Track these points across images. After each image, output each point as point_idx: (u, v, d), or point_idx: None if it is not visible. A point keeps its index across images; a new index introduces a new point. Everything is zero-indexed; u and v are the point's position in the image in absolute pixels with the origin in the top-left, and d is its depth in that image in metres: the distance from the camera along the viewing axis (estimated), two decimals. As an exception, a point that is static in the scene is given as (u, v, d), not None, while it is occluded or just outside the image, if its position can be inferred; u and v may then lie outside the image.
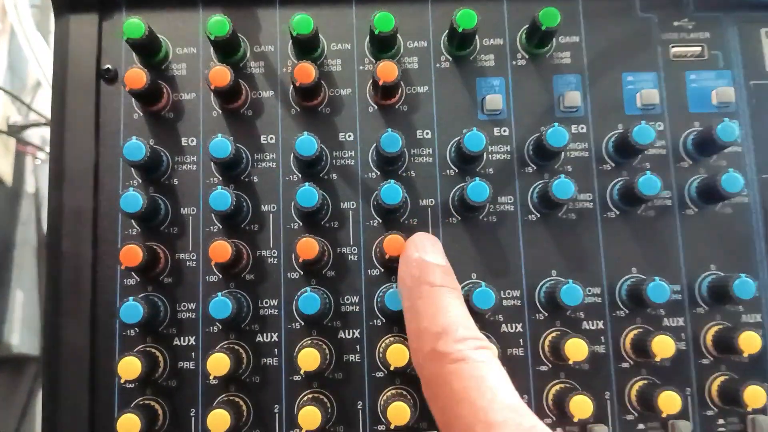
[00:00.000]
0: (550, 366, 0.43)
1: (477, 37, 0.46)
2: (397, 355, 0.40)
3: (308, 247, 0.41)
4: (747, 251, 0.45)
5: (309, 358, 0.40)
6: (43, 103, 1.00)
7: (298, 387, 0.43)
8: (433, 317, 0.36)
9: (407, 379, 0.43)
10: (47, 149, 1.02)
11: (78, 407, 0.43)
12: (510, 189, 0.45)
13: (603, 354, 0.44)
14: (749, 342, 0.41)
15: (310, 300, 0.41)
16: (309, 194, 0.41)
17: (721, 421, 0.43)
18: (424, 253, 0.39)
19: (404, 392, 0.42)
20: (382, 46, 0.45)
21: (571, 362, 0.41)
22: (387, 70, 0.42)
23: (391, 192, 0.41)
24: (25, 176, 0.99)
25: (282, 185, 0.45)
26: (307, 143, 0.42)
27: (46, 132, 1.02)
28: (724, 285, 0.42)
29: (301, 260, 0.41)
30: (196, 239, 0.44)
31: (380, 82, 0.42)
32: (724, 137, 0.43)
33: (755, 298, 0.43)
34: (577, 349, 0.41)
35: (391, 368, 0.40)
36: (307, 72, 0.42)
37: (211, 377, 0.40)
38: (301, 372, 0.40)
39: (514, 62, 0.47)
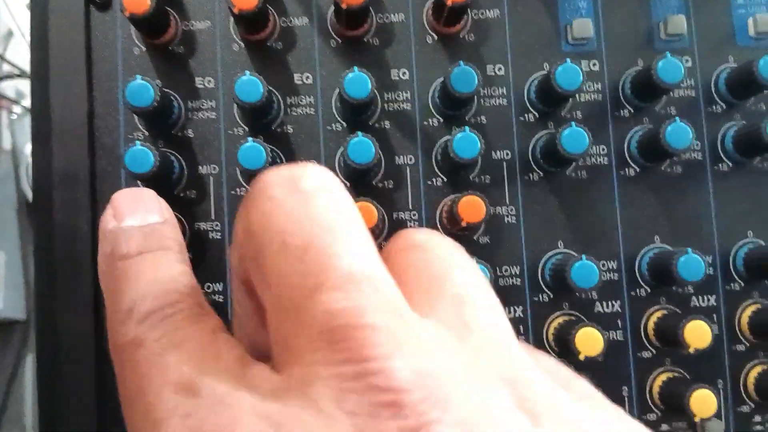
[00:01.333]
0: (654, 352, 0.36)
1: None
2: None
3: (365, 213, 0.33)
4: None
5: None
6: (17, 53, 0.92)
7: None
8: (118, 298, 0.25)
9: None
10: (24, 102, 0.95)
11: (83, 412, 0.35)
12: (603, 137, 0.37)
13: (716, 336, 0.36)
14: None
15: None
16: (363, 147, 0.33)
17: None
18: (122, 217, 0.27)
19: None
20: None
21: (691, 350, 0.33)
22: (457, -12, 0.33)
23: (465, 143, 0.33)
24: (0, 132, 0.93)
25: (323, 136, 0.36)
26: (360, 82, 0.33)
27: (21, 84, 0.95)
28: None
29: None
30: (219, 205, 0.36)
31: (449, 3, 0.33)
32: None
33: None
34: (699, 334, 0.33)
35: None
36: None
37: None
38: None
39: (604, -22, 0.38)
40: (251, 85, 0.33)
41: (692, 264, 0.34)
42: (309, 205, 0.20)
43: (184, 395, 0.20)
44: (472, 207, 0.33)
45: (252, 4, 0.33)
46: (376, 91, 0.35)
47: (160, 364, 0.21)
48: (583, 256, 0.33)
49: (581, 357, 0.33)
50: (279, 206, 0.20)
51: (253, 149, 0.33)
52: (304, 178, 0.21)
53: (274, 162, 0.34)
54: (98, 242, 0.27)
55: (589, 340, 0.33)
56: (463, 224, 0.33)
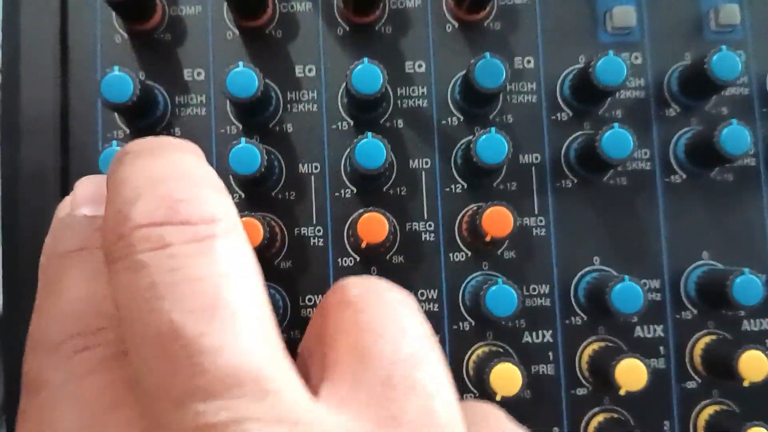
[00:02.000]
0: (699, 382, 0.32)
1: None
2: (504, 379, 0.28)
3: (374, 225, 0.28)
4: None
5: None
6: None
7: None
8: (40, 309, 0.19)
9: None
10: None
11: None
12: (646, 140, 0.32)
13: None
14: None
15: None
16: (373, 149, 0.28)
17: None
18: (77, 205, 0.21)
19: None
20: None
21: (746, 383, 0.29)
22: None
23: (490, 145, 0.29)
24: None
25: (327, 136, 0.32)
26: (370, 75, 0.29)
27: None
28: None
29: (364, 244, 0.29)
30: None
31: (468, -16, 0.29)
32: None
33: None
34: (756, 365, 0.29)
35: (498, 398, 0.28)
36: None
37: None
38: None
39: (645, -41, 0.33)
40: (245, 78, 0.29)
41: (749, 286, 0.29)
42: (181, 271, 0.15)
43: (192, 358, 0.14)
44: (498, 219, 0.28)
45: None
46: (387, 85, 0.31)
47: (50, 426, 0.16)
48: (626, 277, 0.29)
49: (622, 392, 0.29)
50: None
51: (247, 151, 0.28)
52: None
53: (270, 165, 0.30)
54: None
55: (632, 373, 0.28)
56: (488, 238, 0.29)
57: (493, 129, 0.29)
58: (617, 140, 0.29)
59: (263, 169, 0.29)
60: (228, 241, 0.16)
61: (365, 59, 0.29)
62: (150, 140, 0.20)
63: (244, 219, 0.28)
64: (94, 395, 0.16)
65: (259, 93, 0.29)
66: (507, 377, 0.28)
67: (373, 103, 0.30)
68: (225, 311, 0.15)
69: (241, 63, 0.29)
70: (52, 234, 0.21)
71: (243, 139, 0.28)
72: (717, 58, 0.29)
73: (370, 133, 0.29)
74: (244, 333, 0.15)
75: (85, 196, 0.21)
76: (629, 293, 0.29)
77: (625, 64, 0.29)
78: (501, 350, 0.31)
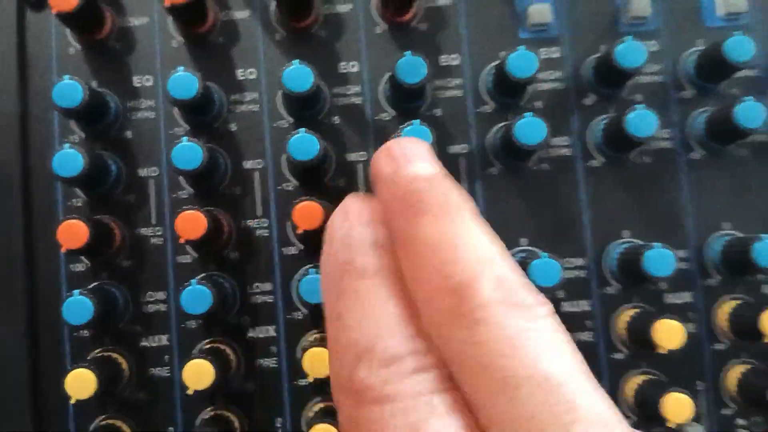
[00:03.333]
0: (627, 354, 0.34)
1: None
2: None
3: (309, 213, 0.31)
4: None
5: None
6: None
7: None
8: (357, 325, 0.23)
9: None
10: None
11: (18, 413, 0.33)
12: (566, 127, 0.35)
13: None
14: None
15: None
16: (307, 143, 0.31)
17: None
18: (358, 223, 0.25)
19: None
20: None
21: (662, 350, 0.31)
22: (401, -28, 0.31)
23: (418, 136, 0.31)
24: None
25: (269, 133, 0.34)
26: (300, 75, 0.31)
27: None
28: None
29: (300, 231, 0.31)
30: (161, 208, 0.34)
31: (393, -11, 0.32)
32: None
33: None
34: (670, 333, 0.31)
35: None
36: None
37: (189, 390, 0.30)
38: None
39: (562, -39, 0.36)
40: (186, 81, 0.31)
41: (660, 258, 0.32)
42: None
43: None
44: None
45: (182, -4, 0.31)
46: (322, 84, 0.34)
47: None
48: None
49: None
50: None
51: (188, 149, 0.31)
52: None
53: (214, 161, 0.32)
54: (325, 236, 0.25)
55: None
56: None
57: (416, 122, 0.31)
58: (532, 128, 0.31)
59: (206, 165, 0.31)
60: (555, 318, 0.20)
61: (295, 61, 0.31)
62: (441, 195, 0.23)
63: (188, 212, 0.31)
64: (427, 415, 0.19)
65: (199, 95, 0.31)
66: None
67: (306, 101, 0.32)
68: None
69: (181, 68, 0.31)
70: (338, 249, 0.24)
71: (185, 138, 0.31)
72: (621, 48, 0.32)
73: (303, 129, 0.31)
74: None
75: (359, 215, 0.24)
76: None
77: (536, 57, 0.31)
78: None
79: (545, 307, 0.20)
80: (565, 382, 0.18)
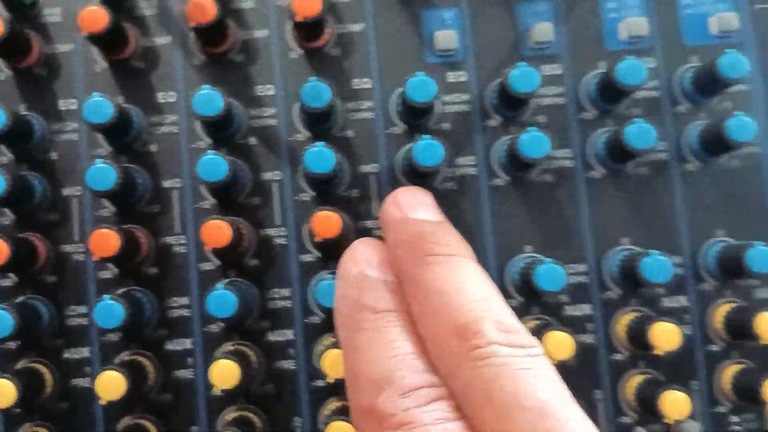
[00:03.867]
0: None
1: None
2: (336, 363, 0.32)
3: (217, 231, 0.32)
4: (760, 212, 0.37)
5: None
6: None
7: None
8: (373, 358, 0.25)
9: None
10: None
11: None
12: (471, 148, 0.37)
13: (591, 345, 0.36)
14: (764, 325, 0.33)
15: (222, 298, 0.32)
16: (215, 164, 0.33)
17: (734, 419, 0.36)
18: (368, 265, 0.28)
19: (347, 407, 0.34)
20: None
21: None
22: (306, 2, 0.33)
23: (320, 158, 0.33)
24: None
25: (187, 154, 0.36)
26: (208, 99, 0.33)
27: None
28: (735, 256, 0.34)
29: (209, 248, 0.33)
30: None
31: (298, 18, 0.33)
32: (730, 73, 0.34)
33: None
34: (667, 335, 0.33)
35: (329, 379, 0.32)
36: (203, 9, 0.33)
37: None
38: (217, 390, 0.32)
39: (470, -12, 0.38)
40: (99, 106, 0.33)
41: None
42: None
43: None
44: (325, 222, 0.33)
45: (101, 26, 0.33)
46: (236, 107, 0.35)
47: None
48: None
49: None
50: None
51: (102, 171, 0.32)
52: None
53: (130, 181, 0.34)
54: (338, 284, 0.28)
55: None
56: (317, 239, 0.33)
57: (320, 144, 0.33)
58: (429, 151, 0.33)
59: (120, 184, 0.33)
60: (545, 358, 0.24)
61: (206, 86, 0.33)
62: (445, 242, 0.27)
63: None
64: None
65: (113, 118, 0.33)
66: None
67: (218, 124, 0.34)
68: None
69: (95, 93, 0.33)
70: (351, 289, 0.27)
71: (98, 160, 0.33)
72: (517, 72, 0.34)
73: (211, 151, 0.33)
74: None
75: (368, 259, 0.28)
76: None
77: (434, 82, 0.33)
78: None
79: (539, 347, 0.24)
80: (559, 408, 0.22)
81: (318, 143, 0.33)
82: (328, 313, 0.33)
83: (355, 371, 0.25)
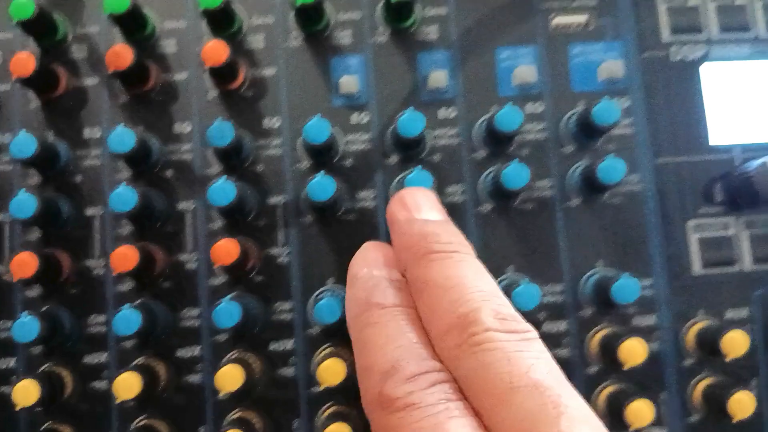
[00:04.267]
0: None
1: (329, 9, 0.41)
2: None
3: (124, 256, 0.36)
4: (637, 245, 0.40)
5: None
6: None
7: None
8: (381, 350, 0.27)
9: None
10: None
11: None
12: (370, 183, 0.40)
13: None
14: (632, 352, 0.36)
15: (227, 310, 0.35)
16: (125, 197, 0.36)
17: None
18: (375, 266, 0.30)
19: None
20: (216, 21, 0.39)
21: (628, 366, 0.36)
22: (214, 52, 0.37)
23: (222, 191, 0.36)
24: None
25: (107, 186, 0.39)
26: (121, 137, 0.36)
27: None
28: (605, 286, 0.37)
29: (115, 272, 0.36)
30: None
31: (206, 66, 0.37)
32: (602, 119, 0.37)
33: (645, 298, 0.39)
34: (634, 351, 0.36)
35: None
36: (122, 56, 0.37)
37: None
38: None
39: (374, 38, 0.41)
40: (24, 141, 0.36)
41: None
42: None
43: None
44: (223, 250, 0.36)
45: (28, 70, 0.36)
46: (152, 142, 0.39)
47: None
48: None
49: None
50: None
51: (23, 200, 0.36)
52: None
53: (53, 208, 0.37)
54: (348, 286, 0.31)
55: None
56: (216, 264, 0.36)
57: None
58: (320, 187, 0.36)
59: (41, 211, 0.36)
60: (541, 341, 0.26)
61: (120, 125, 0.36)
62: (448, 240, 0.29)
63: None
64: (446, 417, 0.24)
65: (37, 152, 0.36)
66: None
67: (132, 159, 0.37)
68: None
69: (22, 130, 0.36)
70: (360, 289, 0.30)
71: (21, 190, 0.36)
72: (405, 117, 0.37)
73: (123, 184, 0.36)
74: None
75: (375, 260, 0.30)
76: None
77: (328, 123, 0.36)
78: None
79: (533, 332, 0.26)
80: (552, 386, 0.23)
81: (221, 178, 0.36)
82: (325, 326, 0.37)
83: (366, 365, 0.27)
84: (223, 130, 0.36)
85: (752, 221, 0.40)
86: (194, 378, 0.39)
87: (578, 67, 0.41)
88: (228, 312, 0.35)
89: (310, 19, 0.40)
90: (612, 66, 0.41)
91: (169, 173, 0.40)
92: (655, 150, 0.41)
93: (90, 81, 0.40)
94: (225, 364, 0.35)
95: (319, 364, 0.35)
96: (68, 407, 0.38)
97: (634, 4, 0.42)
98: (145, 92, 0.40)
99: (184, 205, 0.39)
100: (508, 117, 0.37)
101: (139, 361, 0.38)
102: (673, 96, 0.41)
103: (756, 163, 0.38)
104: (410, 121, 0.37)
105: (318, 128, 0.37)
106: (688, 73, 0.42)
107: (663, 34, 0.42)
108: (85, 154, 0.40)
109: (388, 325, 0.28)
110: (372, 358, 0.27)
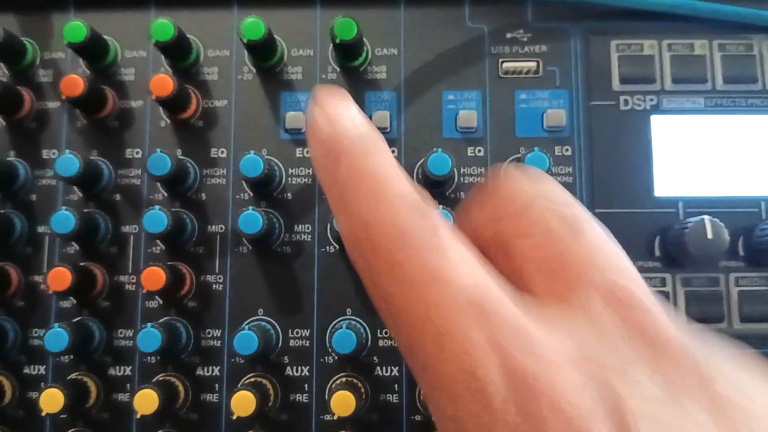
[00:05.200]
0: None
1: (283, 47, 0.42)
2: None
3: (60, 277, 0.37)
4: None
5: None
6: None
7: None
8: (361, 182, 0.22)
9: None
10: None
11: None
12: (309, 217, 0.41)
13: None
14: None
15: (246, 338, 0.37)
16: (65, 219, 0.38)
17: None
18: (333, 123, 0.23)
19: None
20: (172, 53, 0.41)
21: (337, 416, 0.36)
22: (160, 84, 0.38)
23: (155, 220, 0.38)
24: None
25: (60, 203, 0.41)
26: (67, 162, 0.38)
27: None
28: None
29: (51, 291, 0.38)
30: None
31: (152, 96, 0.38)
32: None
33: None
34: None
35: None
36: (74, 84, 0.39)
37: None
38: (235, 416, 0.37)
39: (324, 75, 0.42)
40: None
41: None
42: None
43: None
44: (153, 276, 0.37)
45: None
46: (103, 167, 0.41)
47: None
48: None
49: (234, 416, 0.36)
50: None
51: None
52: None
53: (9, 226, 0.39)
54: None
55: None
56: (144, 290, 0.37)
57: (156, 207, 0.38)
58: (248, 221, 0.37)
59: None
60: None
61: (66, 150, 0.38)
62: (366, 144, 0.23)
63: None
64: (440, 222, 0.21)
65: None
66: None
67: (76, 182, 0.39)
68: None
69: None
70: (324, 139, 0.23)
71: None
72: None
73: (64, 207, 0.38)
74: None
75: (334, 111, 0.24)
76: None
77: (261, 160, 0.38)
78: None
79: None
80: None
81: (154, 207, 0.38)
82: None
83: (342, 201, 0.22)
84: (162, 161, 0.38)
85: (688, 279, 0.40)
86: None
87: (524, 113, 0.42)
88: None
89: (262, 55, 0.41)
90: (556, 114, 0.41)
91: (118, 196, 0.41)
92: (597, 199, 0.41)
93: (53, 104, 0.42)
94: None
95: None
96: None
97: (585, 53, 0.42)
98: (102, 117, 0.42)
99: (128, 228, 0.41)
100: (439, 162, 0.38)
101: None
102: (620, 145, 0.41)
103: (693, 220, 0.38)
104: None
105: (252, 163, 0.38)
106: (638, 122, 0.41)
107: (614, 83, 0.42)
108: (41, 175, 0.42)
109: (362, 161, 0.22)
110: (352, 187, 0.22)
